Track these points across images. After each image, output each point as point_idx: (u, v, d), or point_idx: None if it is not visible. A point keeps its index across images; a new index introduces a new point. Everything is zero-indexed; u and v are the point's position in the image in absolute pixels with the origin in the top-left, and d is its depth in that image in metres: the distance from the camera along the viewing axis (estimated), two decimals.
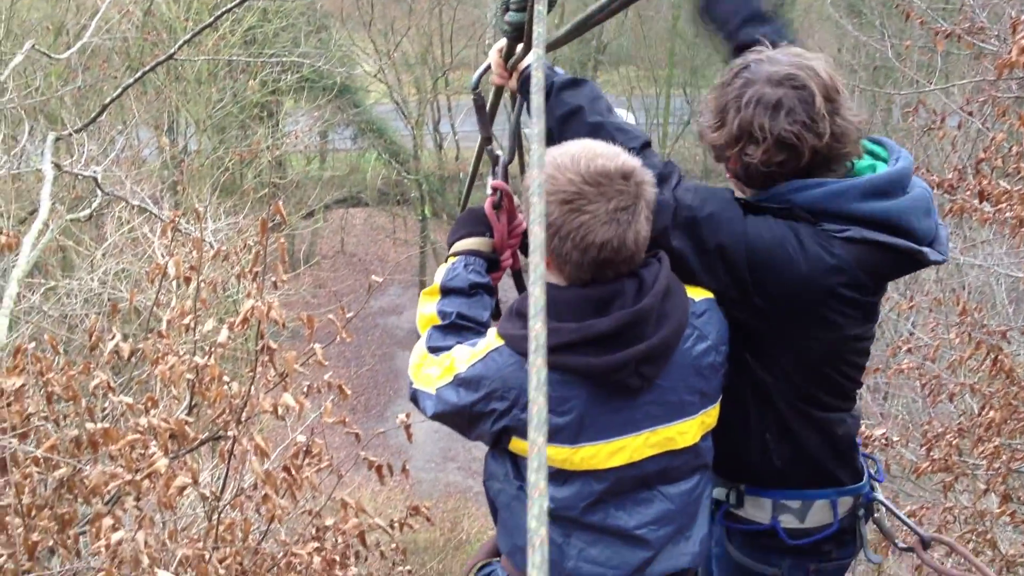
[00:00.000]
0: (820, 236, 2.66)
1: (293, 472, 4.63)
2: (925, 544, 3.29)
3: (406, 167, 28.76)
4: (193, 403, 4.88)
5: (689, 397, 2.65)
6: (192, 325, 4.91)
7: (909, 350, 8.65)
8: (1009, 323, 9.12)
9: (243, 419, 4.56)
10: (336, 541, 5.18)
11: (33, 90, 13.20)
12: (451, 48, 28.87)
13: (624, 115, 3.01)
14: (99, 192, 9.65)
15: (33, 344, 4.32)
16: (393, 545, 5.73)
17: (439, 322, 2.87)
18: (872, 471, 3.24)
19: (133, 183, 12.40)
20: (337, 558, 5.10)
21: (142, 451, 4.07)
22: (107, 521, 3.85)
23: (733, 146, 2.73)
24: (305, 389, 5.02)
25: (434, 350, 2.80)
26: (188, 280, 5.02)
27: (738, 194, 2.85)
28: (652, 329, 2.54)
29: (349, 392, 5.07)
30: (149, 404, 4.38)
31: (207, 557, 4.28)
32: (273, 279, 4.84)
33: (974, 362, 7.57)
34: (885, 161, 2.82)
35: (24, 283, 8.49)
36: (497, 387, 2.58)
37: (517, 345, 2.59)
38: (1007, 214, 6.85)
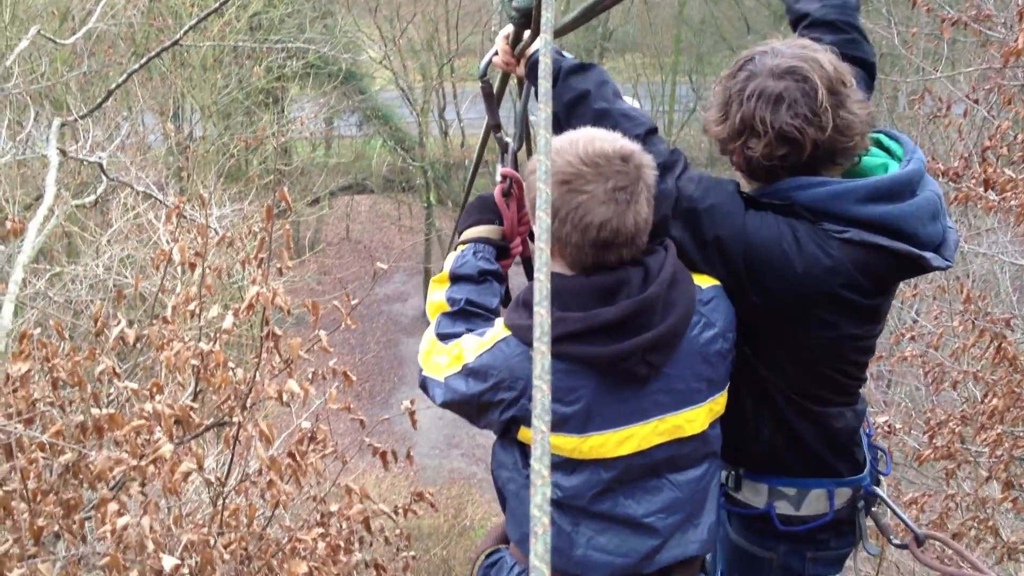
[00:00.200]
0: (819, 236, 2.63)
1: (298, 458, 4.65)
2: (920, 541, 3.28)
3: (411, 154, 28.70)
4: (198, 389, 4.89)
5: (697, 385, 2.65)
6: (197, 311, 4.91)
7: (912, 338, 8.65)
8: (1013, 311, 9.11)
9: (248, 405, 4.57)
10: (340, 527, 5.20)
11: (39, 76, 13.16)
12: (457, 35, 28.78)
13: (630, 102, 3.00)
14: (104, 178, 9.65)
15: (39, 330, 4.34)
16: (397, 531, 5.74)
17: (448, 309, 2.88)
18: (880, 465, 3.24)
19: (138, 169, 12.40)
20: (341, 544, 5.12)
21: (147, 437, 4.08)
22: (112, 506, 3.86)
23: (736, 139, 2.71)
24: (310, 375, 5.03)
25: (443, 337, 2.81)
26: (193, 266, 5.02)
27: (744, 186, 2.84)
28: (659, 317, 2.53)
29: (354, 379, 5.07)
30: (154, 390, 4.38)
31: (212, 542, 4.30)
32: (278, 265, 4.84)
33: (977, 350, 7.56)
34: (900, 160, 2.80)
35: (29, 269, 8.49)
36: (504, 377, 2.59)
37: (524, 335, 2.59)
38: (1012, 202, 6.83)
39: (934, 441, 7.64)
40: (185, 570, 3.91)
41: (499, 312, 2.88)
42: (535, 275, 1.36)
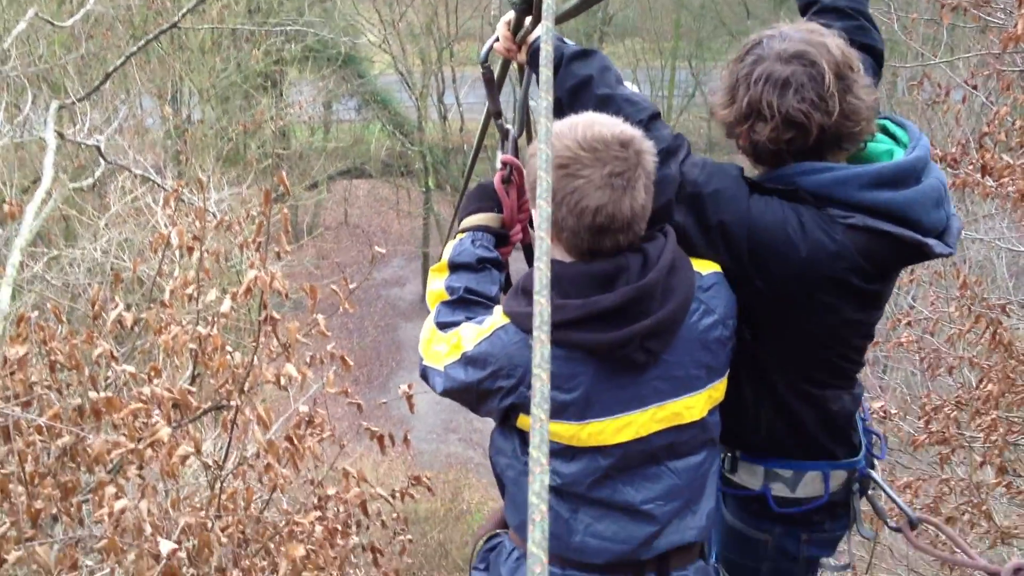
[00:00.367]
0: (823, 221, 2.63)
1: (295, 442, 4.66)
2: (913, 525, 3.30)
3: (410, 138, 28.68)
4: (196, 373, 4.89)
5: (696, 371, 2.65)
6: (195, 295, 4.91)
7: (909, 323, 8.64)
8: (1009, 297, 9.12)
9: (246, 389, 4.58)
10: (338, 510, 5.21)
11: (36, 58, 13.13)
12: (456, 19, 28.70)
13: (631, 87, 3.00)
14: (102, 161, 9.65)
15: (36, 313, 4.34)
16: (394, 515, 5.75)
17: (447, 297, 2.88)
18: (875, 449, 3.25)
19: (136, 152, 12.40)
20: (339, 527, 5.13)
21: (145, 420, 4.09)
22: (110, 489, 3.87)
23: (742, 123, 2.71)
24: (308, 360, 5.04)
25: (443, 326, 2.81)
26: (191, 250, 5.02)
27: (749, 171, 2.84)
28: (658, 304, 2.53)
29: (351, 363, 5.09)
30: (152, 373, 4.39)
31: (209, 526, 4.30)
32: (276, 249, 4.84)
33: (973, 335, 7.57)
34: (905, 146, 2.80)
35: (27, 252, 8.49)
36: (503, 365, 2.58)
37: (522, 323, 2.58)
38: (1009, 188, 6.83)
39: (929, 426, 7.66)
40: (182, 553, 3.92)
41: (499, 300, 2.87)
42: (535, 264, 1.36)
